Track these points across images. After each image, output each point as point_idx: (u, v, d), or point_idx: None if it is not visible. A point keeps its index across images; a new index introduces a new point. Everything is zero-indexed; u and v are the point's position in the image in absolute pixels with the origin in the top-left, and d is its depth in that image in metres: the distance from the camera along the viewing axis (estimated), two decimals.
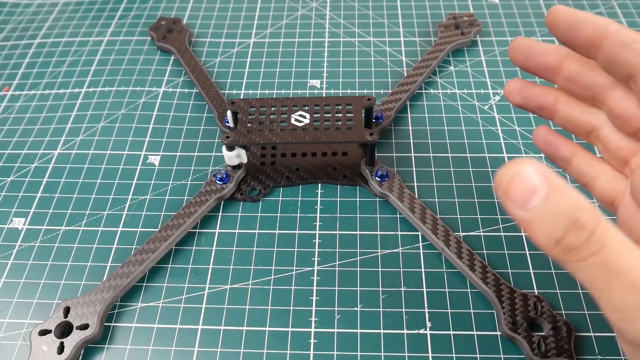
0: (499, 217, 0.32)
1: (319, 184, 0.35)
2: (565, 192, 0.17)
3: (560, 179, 0.17)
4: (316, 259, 0.31)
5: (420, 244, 0.31)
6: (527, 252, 0.31)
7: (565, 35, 0.22)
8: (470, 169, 0.35)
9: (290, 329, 0.28)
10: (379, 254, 0.31)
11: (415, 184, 0.34)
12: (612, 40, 0.21)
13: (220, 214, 0.33)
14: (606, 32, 0.21)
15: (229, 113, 0.33)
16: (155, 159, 0.37)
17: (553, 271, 0.30)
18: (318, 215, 0.33)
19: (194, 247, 0.32)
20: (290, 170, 0.35)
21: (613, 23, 0.21)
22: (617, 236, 0.17)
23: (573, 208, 0.17)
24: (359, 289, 0.30)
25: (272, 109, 0.33)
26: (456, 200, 0.33)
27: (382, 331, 0.28)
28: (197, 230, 0.33)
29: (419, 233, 0.32)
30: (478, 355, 0.27)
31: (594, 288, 0.17)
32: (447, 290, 0.29)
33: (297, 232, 0.32)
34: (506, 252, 0.31)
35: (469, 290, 0.29)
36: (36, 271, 0.31)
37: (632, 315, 0.17)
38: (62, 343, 0.27)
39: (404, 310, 0.29)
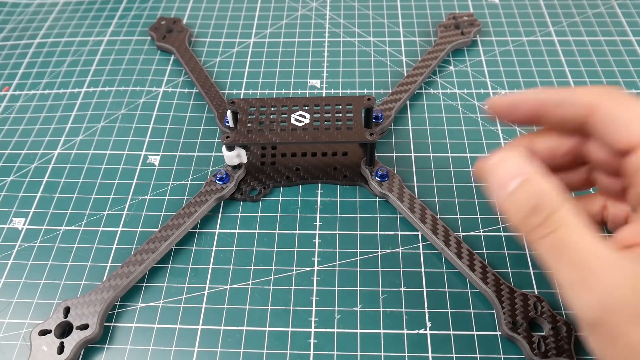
0: (499, 217, 0.32)
1: (319, 184, 0.35)
2: (536, 180, 0.20)
3: (541, 170, 0.20)
4: (316, 259, 0.31)
5: (420, 244, 0.31)
6: (527, 252, 0.31)
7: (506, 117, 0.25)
8: (470, 169, 0.35)
9: (290, 329, 0.28)
10: (379, 254, 0.31)
11: (415, 184, 0.34)
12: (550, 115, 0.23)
13: (220, 214, 0.33)
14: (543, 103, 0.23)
15: (229, 113, 0.33)
16: (155, 159, 0.36)
17: None
18: (318, 215, 0.33)
19: (194, 247, 0.32)
20: (290, 170, 0.35)
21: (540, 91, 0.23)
22: (572, 219, 0.19)
23: (537, 194, 0.20)
24: (359, 289, 0.30)
25: (272, 109, 0.33)
26: (456, 200, 0.33)
27: (382, 331, 0.28)
28: (197, 230, 0.33)
29: (419, 233, 0.32)
30: (478, 355, 0.27)
31: (549, 265, 0.19)
32: (447, 290, 0.29)
33: (297, 232, 0.32)
34: (506, 252, 0.31)
35: (469, 290, 0.29)
36: (36, 271, 0.31)
37: (577, 290, 0.18)
38: (62, 343, 0.27)
39: (404, 310, 0.29)
